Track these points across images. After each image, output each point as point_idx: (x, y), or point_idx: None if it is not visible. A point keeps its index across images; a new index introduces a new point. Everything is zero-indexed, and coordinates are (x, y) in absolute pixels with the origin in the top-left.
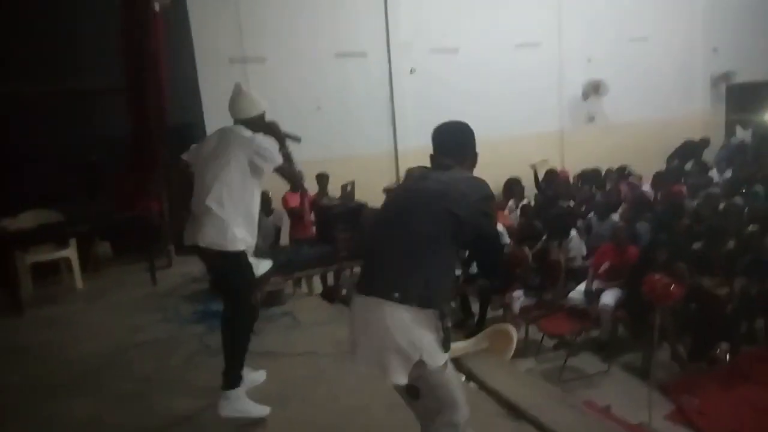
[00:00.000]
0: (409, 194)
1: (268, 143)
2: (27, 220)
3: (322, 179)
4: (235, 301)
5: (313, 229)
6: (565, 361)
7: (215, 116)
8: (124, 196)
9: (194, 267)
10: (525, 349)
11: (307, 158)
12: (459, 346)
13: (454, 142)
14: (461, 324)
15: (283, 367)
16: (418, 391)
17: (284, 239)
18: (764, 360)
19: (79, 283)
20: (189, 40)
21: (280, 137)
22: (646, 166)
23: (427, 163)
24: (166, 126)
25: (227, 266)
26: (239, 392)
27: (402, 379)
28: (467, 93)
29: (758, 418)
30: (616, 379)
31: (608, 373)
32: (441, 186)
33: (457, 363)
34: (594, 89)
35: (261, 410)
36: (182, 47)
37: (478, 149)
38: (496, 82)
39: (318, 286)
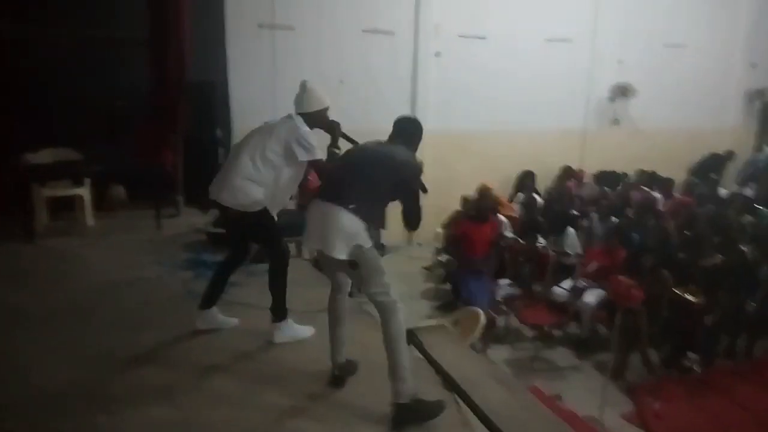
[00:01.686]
0: (369, 152)
1: (311, 137)
2: (46, 156)
3: (333, 152)
4: (267, 249)
5: None
6: (537, 351)
7: (240, 77)
8: (142, 144)
9: (199, 219)
10: (504, 337)
11: None
12: (432, 322)
13: (407, 131)
14: (450, 305)
15: (252, 319)
16: (356, 264)
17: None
18: (739, 375)
19: (90, 220)
20: (221, 1)
21: (335, 136)
22: (669, 174)
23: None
24: (187, 82)
25: (252, 223)
26: (288, 321)
27: (343, 255)
28: (491, 82)
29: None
30: (585, 375)
31: (579, 368)
32: (388, 151)
33: (410, 333)
34: (622, 92)
35: (307, 331)
36: (213, 8)
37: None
38: (521, 74)
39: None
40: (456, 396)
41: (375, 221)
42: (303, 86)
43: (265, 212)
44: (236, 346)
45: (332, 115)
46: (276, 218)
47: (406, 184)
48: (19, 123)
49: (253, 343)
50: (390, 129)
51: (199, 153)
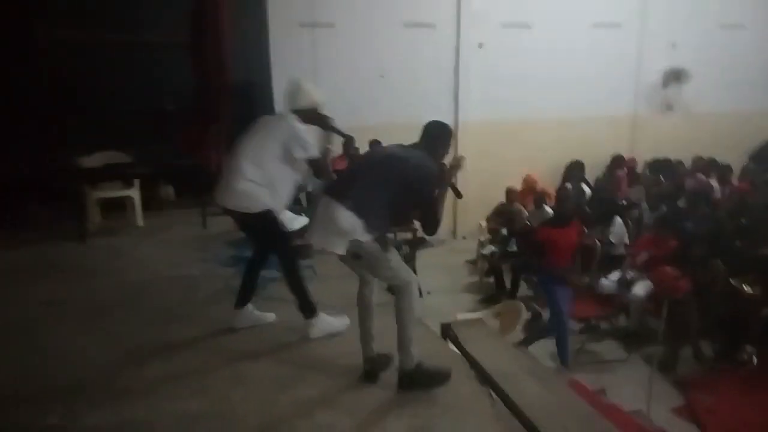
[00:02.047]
0: (381, 154)
1: (307, 134)
2: (97, 159)
3: (373, 146)
4: (276, 250)
5: None
6: (583, 344)
7: (282, 77)
8: (187, 145)
9: None
10: (549, 330)
11: (367, 124)
12: (473, 315)
13: (431, 135)
14: (493, 298)
15: (290, 314)
16: (360, 255)
17: None
18: None
19: (139, 220)
20: (263, 2)
21: (327, 131)
22: (725, 160)
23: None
24: (229, 82)
25: (258, 224)
26: (320, 316)
27: (341, 250)
28: (537, 70)
29: None
30: (633, 369)
31: (627, 362)
32: (402, 154)
33: (446, 328)
34: (675, 77)
35: (342, 322)
36: (254, 8)
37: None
38: (568, 61)
39: None
40: (490, 390)
41: (375, 222)
42: (296, 83)
43: (268, 213)
44: (271, 340)
45: (374, 112)
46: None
47: (417, 188)
48: (72, 127)
49: (288, 337)
50: None
51: None
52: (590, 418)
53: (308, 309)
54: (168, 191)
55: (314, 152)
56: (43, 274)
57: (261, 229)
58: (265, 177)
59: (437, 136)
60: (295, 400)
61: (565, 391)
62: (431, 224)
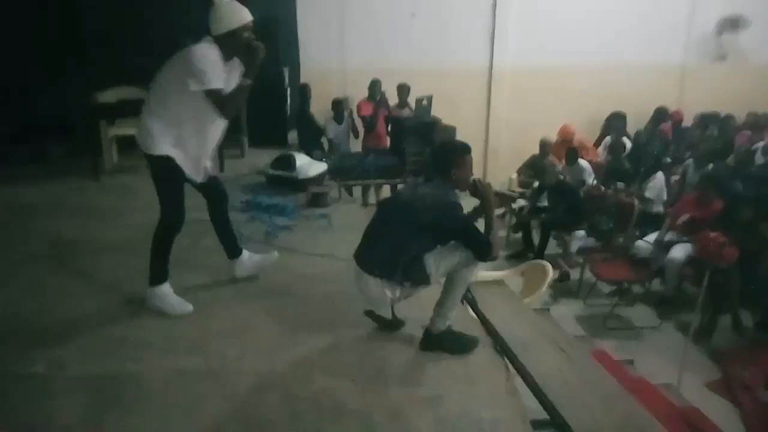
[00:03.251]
0: (395, 208)
1: (208, 62)
2: (113, 95)
3: (402, 90)
4: (161, 204)
5: (387, 140)
6: (612, 308)
7: (308, 13)
8: None
9: (263, 160)
10: (577, 291)
11: (395, 66)
12: (496, 274)
13: (438, 161)
14: (520, 255)
15: (298, 263)
16: (410, 295)
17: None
18: None
19: None
20: None
21: (251, 63)
22: None
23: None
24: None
25: (152, 169)
26: (162, 288)
27: (388, 313)
28: (580, 13)
29: None
30: (665, 337)
31: (660, 329)
32: (413, 199)
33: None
34: (731, 24)
35: (182, 308)
36: None
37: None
38: (614, 3)
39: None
40: (506, 360)
41: (410, 273)
42: (214, 1)
43: (164, 160)
44: (274, 293)
45: (403, 54)
46: (188, 168)
47: (442, 225)
48: (88, 62)
49: (293, 290)
50: (464, 67)
51: (265, 93)
52: (614, 396)
53: (155, 275)
54: None
55: (211, 84)
56: (55, 212)
57: (153, 174)
58: (161, 113)
59: (445, 160)
60: (294, 361)
61: (588, 363)
62: (479, 249)
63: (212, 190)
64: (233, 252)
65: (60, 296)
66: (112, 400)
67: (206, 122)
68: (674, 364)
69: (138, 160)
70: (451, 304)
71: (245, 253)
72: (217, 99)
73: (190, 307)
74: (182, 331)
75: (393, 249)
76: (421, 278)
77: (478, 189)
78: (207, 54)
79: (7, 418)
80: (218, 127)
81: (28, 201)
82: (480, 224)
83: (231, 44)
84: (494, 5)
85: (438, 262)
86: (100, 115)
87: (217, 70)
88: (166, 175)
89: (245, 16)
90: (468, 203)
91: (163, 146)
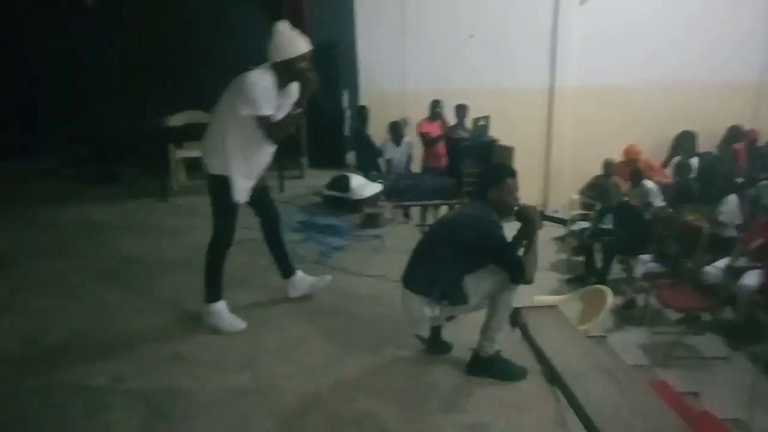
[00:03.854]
0: (436, 229)
1: (260, 89)
2: (182, 118)
3: (460, 111)
4: (213, 220)
5: (446, 160)
6: (679, 336)
7: (368, 37)
8: None
9: (322, 181)
10: (642, 318)
11: (454, 87)
12: (554, 298)
13: (480, 185)
14: (581, 279)
15: (349, 284)
16: (453, 317)
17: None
18: None
19: None
20: None
21: (304, 91)
22: None
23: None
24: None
25: (209, 187)
26: (217, 306)
27: (426, 332)
28: (646, 31)
29: None
30: (736, 369)
31: (730, 360)
32: (454, 219)
33: (515, 313)
34: None
35: (236, 325)
36: None
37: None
38: (683, 20)
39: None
40: (556, 389)
41: (448, 291)
42: (274, 29)
43: (219, 179)
44: (325, 313)
45: (463, 75)
46: (236, 188)
47: (477, 244)
48: (159, 87)
49: (343, 312)
50: (523, 87)
51: (325, 115)
52: (670, 428)
53: (210, 293)
54: None
55: (261, 110)
56: (123, 231)
57: (209, 191)
58: (215, 135)
59: (484, 181)
60: (339, 382)
61: (644, 394)
62: (512, 269)
63: (265, 211)
64: (287, 272)
65: (122, 311)
66: (165, 413)
67: (255, 145)
68: (745, 398)
69: (202, 181)
70: (497, 327)
71: (299, 274)
72: (266, 125)
73: (243, 325)
74: (234, 348)
75: (433, 267)
76: (458, 298)
77: (521, 214)
78: (259, 81)
79: (69, 428)
80: (266, 151)
81: (99, 220)
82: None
83: (287, 72)
84: (555, 25)
85: (477, 284)
86: (169, 138)
87: (268, 96)
88: (220, 193)
89: (303, 46)
90: (514, 228)
91: (219, 166)
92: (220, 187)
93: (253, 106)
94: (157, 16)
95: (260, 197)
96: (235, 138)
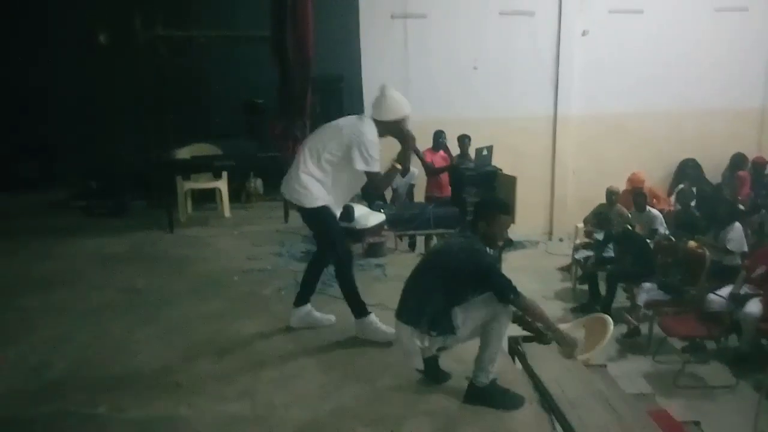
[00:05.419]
0: (434, 250)
1: (374, 147)
2: (188, 151)
3: (463, 141)
4: (328, 249)
5: (449, 190)
6: (684, 365)
7: (372, 69)
8: (273, 138)
9: None
10: (645, 347)
11: (458, 117)
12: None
13: (475, 218)
14: (586, 307)
15: (349, 312)
16: (445, 347)
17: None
18: None
19: (226, 211)
20: None
21: (406, 150)
22: None
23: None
24: (315, 76)
25: (309, 220)
26: (370, 318)
27: (420, 365)
28: (648, 60)
29: None
30: (741, 398)
31: (734, 389)
32: (447, 245)
33: (514, 342)
34: None
35: (390, 334)
36: (347, 1)
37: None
38: (685, 48)
39: None
40: (553, 418)
41: (434, 327)
42: (383, 90)
43: (322, 210)
44: (325, 342)
45: (467, 104)
46: (337, 216)
47: (465, 269)
48: (165, 120)
49: (343, 341)
50: (526, 116)
51: None
52: None
53: (358, 309)
54: (257, 184)
55: (374, 167)
56: (129, 263)
57: (314, 224)
58: (321, 174)
59: (477, 212)
60: (337, 410)
61: (643, 423)
62: (501, 289)
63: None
64: (301, 300)
65: (126, 342)
66: None
67: (354, 186)
68: (749, 426)
69: (209, 212)
70: (489, 358)
71: (308, 307)
72: (376, 179)
73: (393, 333)
74: (234, 378)
75: (421, 297)
76: (446, 329)
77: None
78: (374, 140)
79: None
80: (355, 191)
81: (107, 251)
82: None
83: (389, 129)
84: (557, 54)
85: (467, 315)
86: (176, 170)
87: (378, 153)
88: (324, 219)
89: (407, 109)
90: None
91: (315, 198)
92: (323, 215)
93: (370, 164)
94: (166, 53)
95: None
96: (338, 178)
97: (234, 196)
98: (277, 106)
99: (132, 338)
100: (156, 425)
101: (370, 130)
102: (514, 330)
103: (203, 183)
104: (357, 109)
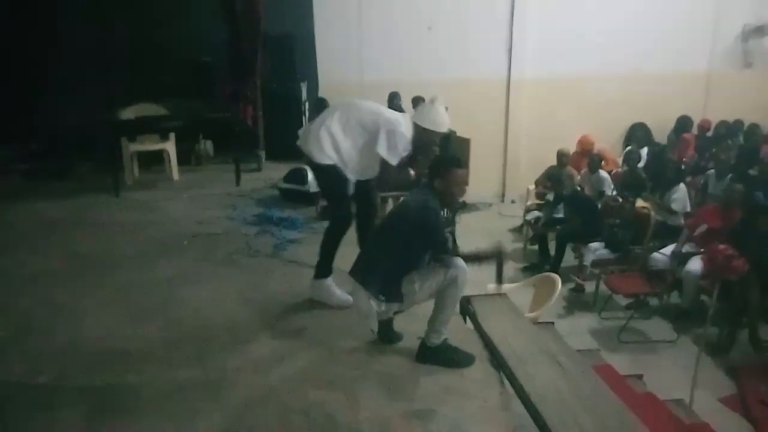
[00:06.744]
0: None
1: (402, 141)
2: (134, 111)
3: (417, 103)
4: (330, 206)
5: None
6: (627, 321)
7: (325, 29)
8: (224, 99)
9: (278, 174)
10: (592, 304)
11: (412, 79)
12: (507, 286)
13: (429, 171)
14: (537, 267)
15: (302, 276)
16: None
17: None
18: None
19: (175, 174)
20: None
21: (421, 161)
22: None
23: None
24: (266, 35)
25: (321, 175)
26: (327, 281)
27: (374, 325)
28: (600, 23)
29: None
30: (681, 351)
31: (676, 343)
32: (402, 204)
33: (465, 301)
34: (758, 32)
35: (343, 299)
36: None
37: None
38: (635, 12)
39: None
40: (502, 375)
41: (383, 291)
42: (433, 100)
43: (331, 168)
44: (276, 305)
45: (421, 66)
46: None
47: (413, 226)
48: (112, 79)
49: (295, 303)
50: (481, 78)
51: (283, 107)
52: (610, 410)
53: (323, 271)
54: (207, 146)
55: (393, 158)
56: (74, 227)
57: (320, 180)
58: (342, 138)
59: (432, 170)
60: (289, 374)
61: (587, 378)
62: (440, 248)
63: (364, 203)
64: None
65: (70, 309)
66: (110, 411)
67: (366, 166)
68: (689, 379)
69: (156, 175)
70: (443, 320)
71: (329, 280)
72: (388, 167)
73: (350, 300)
74: (184, 343)
75: (375, 256)
76: (394, 296)
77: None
78: (407, 135)
79: (10, 427)
80: (375, 168)
81: (50, 216)
82: None
83: (421, 137)
84: (511, 17)
85: (420, 283)
86: (121, 131)
87: (402, 150)
88: (337, 179)
89: (445, 128)
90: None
91: (329, 158)
92: (330, 173)
93: (390, 153)
94: (110, 8)
95: (364, 191)
96: (357, 149)
97: (183, 159)
98: (228, 65)
99: (77, 305)
100: (103, 393)
101: (407, 126)
102: (481, 285)
103: (150, 145)
104: (310, 68)
